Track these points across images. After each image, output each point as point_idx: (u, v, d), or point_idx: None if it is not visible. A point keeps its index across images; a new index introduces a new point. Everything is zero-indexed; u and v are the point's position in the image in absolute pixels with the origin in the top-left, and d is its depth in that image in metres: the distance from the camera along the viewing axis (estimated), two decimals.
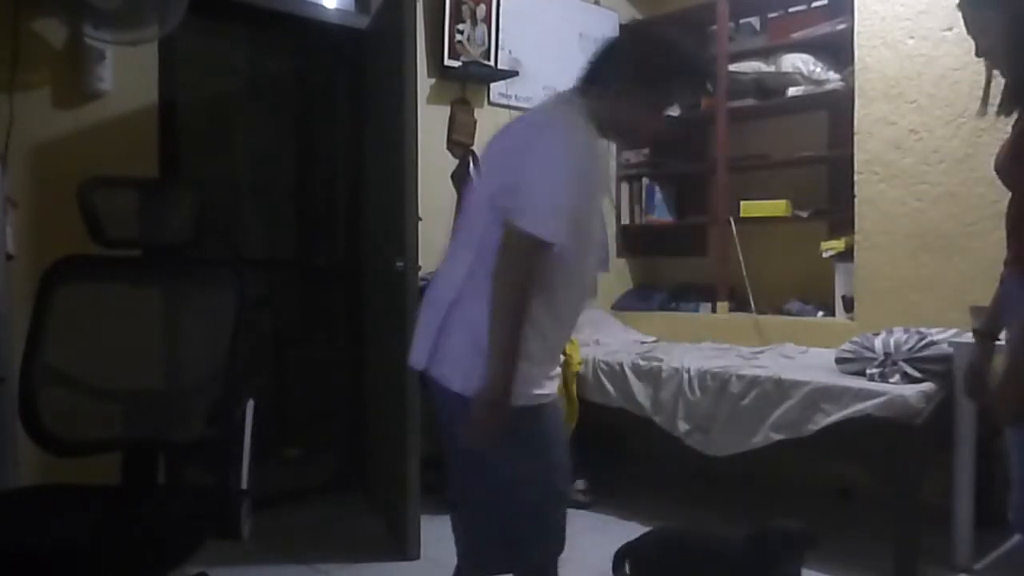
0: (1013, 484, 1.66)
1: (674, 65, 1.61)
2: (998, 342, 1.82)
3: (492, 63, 3.63)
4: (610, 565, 2.60)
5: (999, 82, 1.65)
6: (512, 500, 1.66)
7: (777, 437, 2.70)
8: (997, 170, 1.71)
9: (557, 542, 1.74)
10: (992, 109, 1.70)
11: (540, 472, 1.67)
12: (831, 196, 3.65)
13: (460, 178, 3.49)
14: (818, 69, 3.53)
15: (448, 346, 1.62)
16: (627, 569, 2.14)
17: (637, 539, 2.23)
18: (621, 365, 3.21)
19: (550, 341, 1.66)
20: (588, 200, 1.62)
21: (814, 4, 3.68)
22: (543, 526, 1.71)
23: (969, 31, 1.69)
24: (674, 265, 4.33)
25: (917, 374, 2.57)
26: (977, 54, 1.67)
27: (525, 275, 1.52)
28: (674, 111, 1.71)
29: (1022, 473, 1.64)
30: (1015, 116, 1.64)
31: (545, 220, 1.52)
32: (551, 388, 1.70)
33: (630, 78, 1.60)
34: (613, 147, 4.25)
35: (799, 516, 2.06)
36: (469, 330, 1.59)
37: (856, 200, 3.34)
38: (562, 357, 3.30)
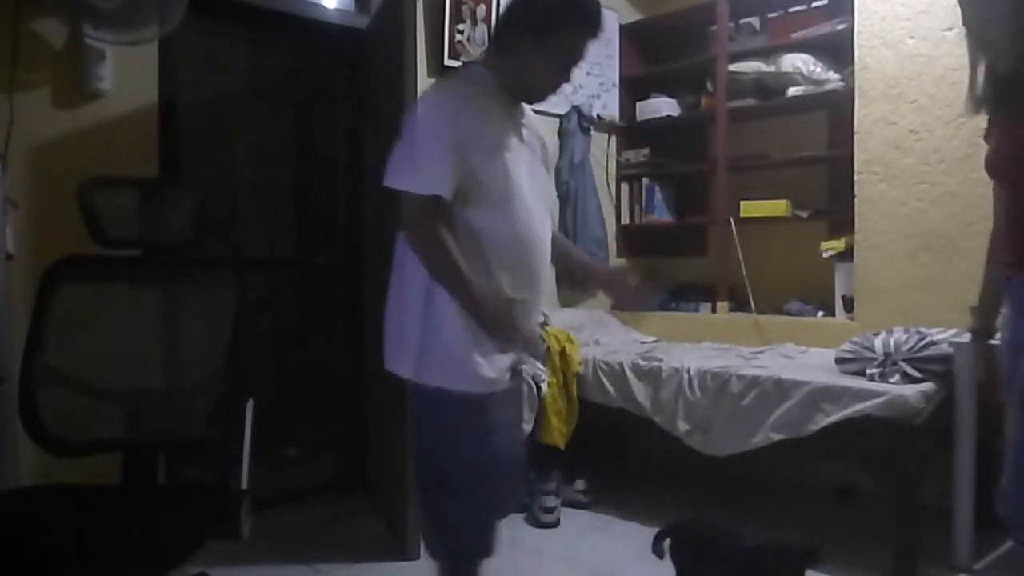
0: (1008, 479, 1.65)
1: (558, 10, 1.62)
2: (993, 341, 1.82)
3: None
4: (610, 565, 2.60)
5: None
6: (433, 489, 1.69)
7: (777, 437, 2.70)
8: (992, 168, 1.69)
9: (477, 545, 1.71)
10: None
11: (462, 469, 1.65)
12: (831, 196, 3.65)
13: None
14: (818, 69, 3.53)
15: (392, 338, 1.70)
16: (666, 546, 2.14)
17: (680, 522, 2.23)
18: (621, 365, 3.21)
19: (468, 319, 1.62)
20: (483, 152, 1.60)
21: (814, 4, 3.68)
22: (460, 524, 1.69)
23: (967, 23, 1.67)
24: (674, 265, 4.33)
25: (917, 374, 2.57)
26: (975, 47, 1.66)
27: (428, 229, 1.56)
28: (573, 59, 1.67)
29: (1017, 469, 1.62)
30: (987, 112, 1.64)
31: (412, 173, 1.56)
32: (489, 381, 1.65)
33: (522, 34, 1.64)
34: (615, 145, 4.26)
35: (800, 524, 2.06)
36: (397, 316, 1.68)
37: (856, 200, 3.34)
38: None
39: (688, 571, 2.11)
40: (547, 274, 1.78)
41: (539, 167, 1.78)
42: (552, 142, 3.96)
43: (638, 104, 4.24)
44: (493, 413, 1.67)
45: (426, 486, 1.72)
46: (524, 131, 1.74)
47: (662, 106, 4.13)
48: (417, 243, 1.60)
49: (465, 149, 1.57)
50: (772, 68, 3.66)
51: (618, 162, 4.29)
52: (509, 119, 1.70)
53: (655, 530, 2.24)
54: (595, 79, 4.13)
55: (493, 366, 1.65)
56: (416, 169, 1.57)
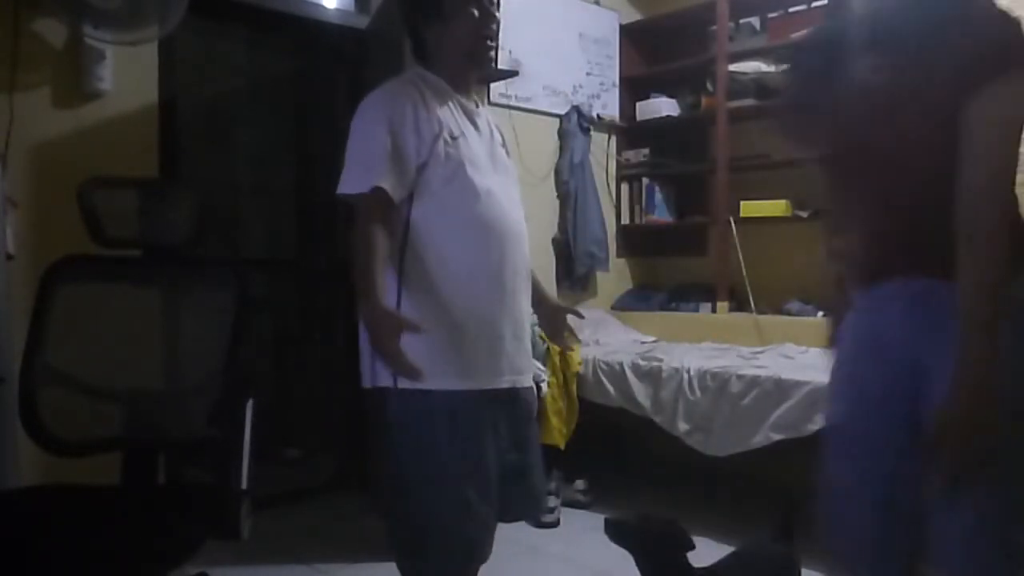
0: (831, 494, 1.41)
1: None
2: None
3: (492, 63, 3.63)
4: (610, 565, 2.59)
5: None
6: (401, 500, 1.64)
7: (777, 437, 2.70)
8: (888, 133, 1.30)
9: (461, 558, 1.64)
10: None
11: (429, 474, 1.59)
12: None
13: None
14: None
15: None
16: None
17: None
18: (621, 365, 3.21)
19: (446, 311, 1.59)
20: (425, 140, 1.58)
21: (814, 4, 3.68)
22: (436, 536, 1.61)
23: None
24: (674, 265, 4.33)
25: None
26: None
27: (360, 226, 1.55)
28: (476, 18, 1.66)
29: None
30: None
31: (348, 177, 1.60)
32: (460, 381, 1.60)
33: (421, 24, 1.69)
34: (613, 145, 4.26)
35: (800, 523, 1.98)
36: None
37: None
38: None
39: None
40: (524, 264, 1.70)
41: (502, 159, 1.75)
42: (552, 142, 3.96)
43: (638, 104, 4.24)
44: (453, 415, 1.59)
45: (394, 499, 1.67)
46: (479, 120, 1.72)
47: (662, 106, 4.13)
48: (353, 240, 1.59)
49: (402, 140, 1.57)
50: (772, 68, 3.66)
51: (618, 162, 4.29)
52: (456, 108, 1.68)
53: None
54: (595, 79, 4.13)
55: (462, 374, 1.60)
56: (351, 172, 1.60)
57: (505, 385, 1.67)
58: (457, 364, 1.60)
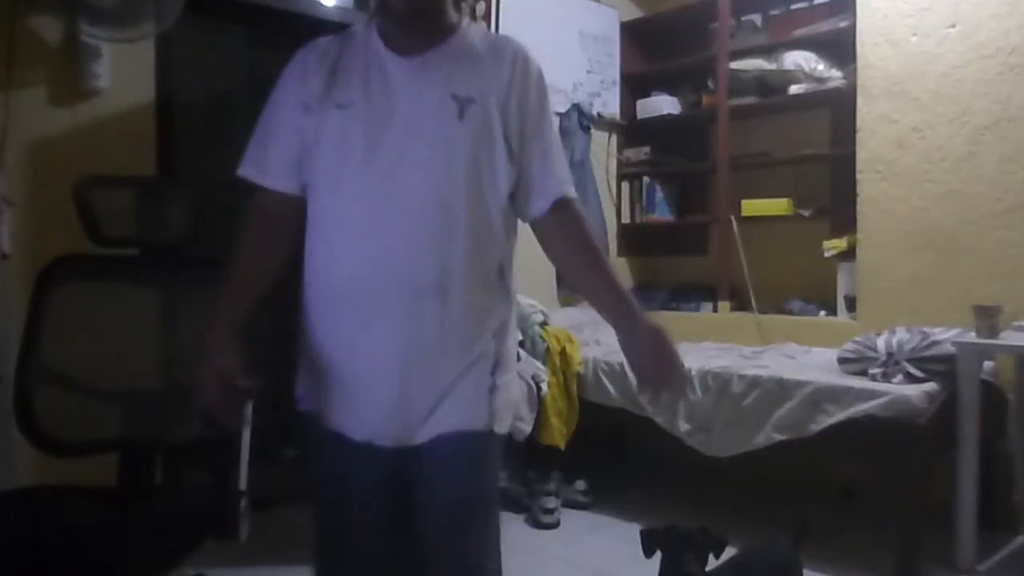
0: None
1: None
2: None
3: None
4: (610, 566, 2.58)
5: None
6: None
7: (779, 437, 2.68)
8: None
9: None
10: None
11: (313, 496, 1.41)
12: (833, 195, 3.63)
13: None
14: (820, 67, 3.51)
15: None
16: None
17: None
18: (622, 365, 3.19)
19: (307, 329, 1.33)
20: (305, 114, 1.32)
21: (816, 1, 3.66)
22: (318, 555, 1.38)
23: None
24: (675, 264, 4.32)
25: (920, 374, 2.56)
26: None
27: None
28: None
29: None
30: None
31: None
32: (318, 412, 1.33)
33: None
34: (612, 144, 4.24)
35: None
36: None
37: (858, 199, 3.32)
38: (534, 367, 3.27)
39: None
40: (429, 274, 1.24)
41: (446, 123, 1.25)
42: None
43: (639, 102, 4.22)
44: (325, 445, 1.33)
45: None
46: (421, 73, 1.28)
47: (663, 104, 4.11)
48: None
49: (278, 117, 1.39)
50: (774, 66, 3.64)
51: (619, 161, 4.27)
52: (376, 68, 1.29)
53: None
54: (595, 77, 4.11)
55: (336, 407, 1.31)
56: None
57: (380, 443, 1.27)
58: (317, 394, 1.35)
